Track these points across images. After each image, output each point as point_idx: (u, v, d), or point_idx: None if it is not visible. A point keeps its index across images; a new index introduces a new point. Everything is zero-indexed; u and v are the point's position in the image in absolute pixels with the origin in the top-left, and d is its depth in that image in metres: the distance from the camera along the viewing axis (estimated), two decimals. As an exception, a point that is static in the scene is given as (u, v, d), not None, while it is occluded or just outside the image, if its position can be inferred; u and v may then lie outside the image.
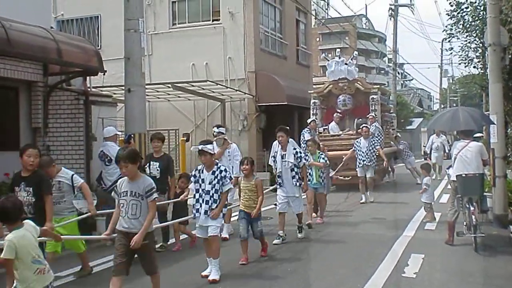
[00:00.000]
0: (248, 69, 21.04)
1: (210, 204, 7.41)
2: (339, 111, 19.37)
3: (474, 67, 16.06)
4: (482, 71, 15.53)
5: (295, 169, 9.75)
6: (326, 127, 19.23)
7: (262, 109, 21.25)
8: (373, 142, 15.38)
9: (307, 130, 16.71)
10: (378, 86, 20.59)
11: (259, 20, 21.86)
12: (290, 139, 13.43)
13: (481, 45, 14.24)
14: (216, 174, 7.47)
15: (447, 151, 19.61)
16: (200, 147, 7.46)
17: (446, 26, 15.67)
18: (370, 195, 15.16)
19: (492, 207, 10.86)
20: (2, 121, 11.27)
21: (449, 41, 16.82)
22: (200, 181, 7.53)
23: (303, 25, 27.42)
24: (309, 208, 11.58)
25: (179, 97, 20.57)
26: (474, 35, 14.70)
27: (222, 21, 21.36)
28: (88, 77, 12.15)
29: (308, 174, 11.03)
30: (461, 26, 14.97)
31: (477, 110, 11.50)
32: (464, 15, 14.85)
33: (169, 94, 20.26)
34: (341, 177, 16.84)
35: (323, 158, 11.64)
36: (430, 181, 11.83)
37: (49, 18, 13.64)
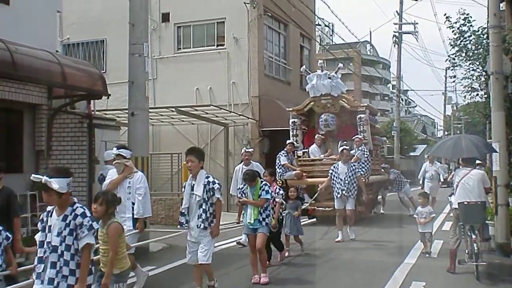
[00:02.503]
0: (252, 94, 21.12)
1: (58, 268, 4.76)
2: (321, 132, 17.06)
3: (477, 94, 16.11)
4: (485, 99, 15.57)
5: (204, 205, 7.30)
6: (306, 150, 16.96)
7: (265, 133, 21.28)
8: (354, 168, 13.17)
9: (283, 153, 15.42)
10: (365, 104, 18.51)
11: (263, 45, 22.02)
12: (255, 163, 12.15)
13: (484, 73, 14.30)
14: (68, 221, 4.82)
15: (441, 179, 18.05)
16: (43, 179, 4.79)
17: (449, 56, 15.74)
18: (351, 232, 12.81)
19: (494, 236, 10.80)
20: (6, 143, 11.33)
21: (452, 70, 16.86)
22: (47, 230, 4.90)
23: (307, 51, 27.59)
24: (251, 259, 8.80)
25: (182, 121, 20.66)
26: (477, 63, 14.77)
27: (226, 46, 21.53)
28: (92, 101, 12.23)
29: (242, 212, 9.11)
30: (464, 55, 15.05)
31: (479, 138, 11.49)
32: (467, 44, 14.94)
33: (172, 118, 20.34)
34: (321, 208, 15.04)
35: (266, 192, 8.60)
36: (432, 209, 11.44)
37: (54, 42, 13.78)
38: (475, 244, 8.75)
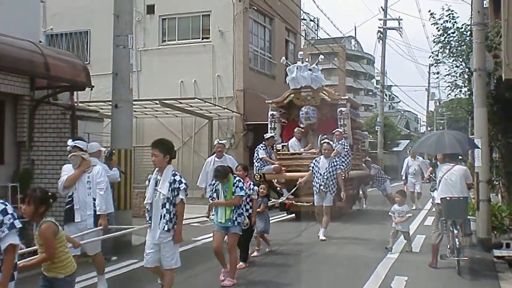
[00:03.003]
0: (237, 88, 21.11)
1: None
2: (301, 125, 16.59)
3: (460, 91, 16.18)
4: (468, 96, 15.67)
5: (167, 205, 6.54)
6: (286, 144, 16.49)
7: (249, 127, 21.28)
8: (335, 163, 12.69)
9: (262, 147, 15.21)
10: (346, 97, 17.78)
11: (248, 39, 22.00)
12: (228, 156, 11.86)
13: (467, 70, 14.38)
14: None
15: (425, 175, 16.93)
16: None
17: (432, 52, 15.81)
18: (321, 232, 12.07)
19: (476, 231, 10.90)
20: (-13, 134, 11.17)
21: (435, 67, 16.91)
22: None
23: (292, 45, 27.60)
24: (230, 262, 8.22)
25: (166, 113, 20.59)
26: (460, 60, 14.85)
27: (211, 39, 21.48)
28: (75, 92, 12.10)
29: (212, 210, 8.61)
30: (447, 51, 15.12)
31: (462, 133, 11.56)
32: (450, 40, 15.01)
33: (156, 111, 20.27)
34: (299, 203, 14.60)
35: (240, 188, 8.16)
36: (409, 208, 11.35)
37: (38, 32, 13.61)
38: (457, 239, 8.82)
